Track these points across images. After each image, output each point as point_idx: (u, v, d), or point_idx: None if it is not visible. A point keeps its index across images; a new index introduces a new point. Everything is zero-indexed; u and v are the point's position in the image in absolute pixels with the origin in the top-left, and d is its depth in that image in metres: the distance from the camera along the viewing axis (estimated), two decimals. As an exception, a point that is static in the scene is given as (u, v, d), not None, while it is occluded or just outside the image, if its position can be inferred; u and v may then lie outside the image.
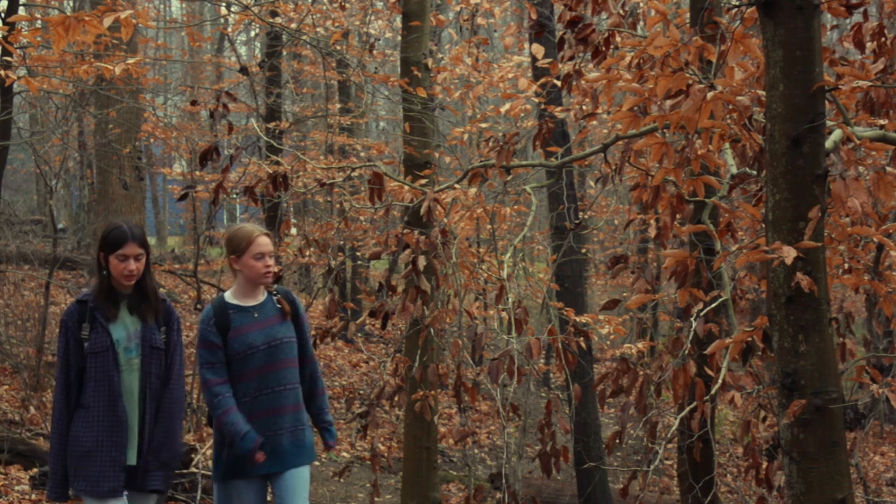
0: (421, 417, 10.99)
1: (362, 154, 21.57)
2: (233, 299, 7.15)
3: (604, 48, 7.61)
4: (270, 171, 8.99)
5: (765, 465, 7.54)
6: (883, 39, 7.04)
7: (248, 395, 7.02)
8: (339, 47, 16.28)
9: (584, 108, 8.97)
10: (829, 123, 6.38)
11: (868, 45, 7.10)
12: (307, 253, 12.26)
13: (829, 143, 6.29)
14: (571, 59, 8.08)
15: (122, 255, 6.64)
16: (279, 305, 7.20)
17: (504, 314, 8.77)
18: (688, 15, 9.21)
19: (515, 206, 14.10)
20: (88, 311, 6.68)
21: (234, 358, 6.99)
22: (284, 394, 7.09)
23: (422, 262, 8.35)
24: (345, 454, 16.50)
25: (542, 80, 9.80)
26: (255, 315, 7.11)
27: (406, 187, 9.83)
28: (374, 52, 17.82)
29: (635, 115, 6.91)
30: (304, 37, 15.92)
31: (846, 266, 7.36)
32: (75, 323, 6.66)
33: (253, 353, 6.99)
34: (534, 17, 9.34)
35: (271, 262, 7.14)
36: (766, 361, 7.18)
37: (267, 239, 7.13)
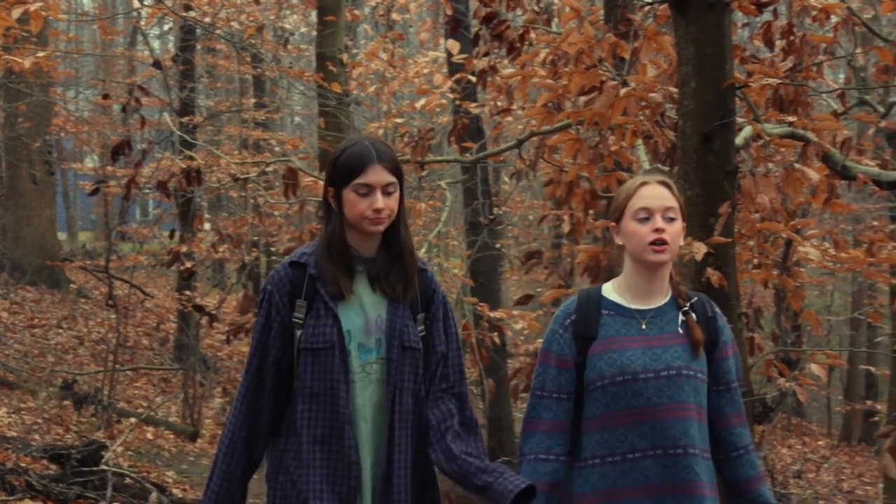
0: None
1: (277, 149, 21.47)
2: (613, 294, 4.20)
3: (518, 44, 7.64)
4: (184, 166, 8.92)
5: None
6: (792, 38, 7.15)
7: (614, 453, 4.04)
8: (253, 42, 16.19)
9: (498, 103, 9.02)
10: (739, 120, 6.47)
11: (778, 43, 7.20)
12: (221, 248, 12.16)
13: (739, 140, 6.38)
14: (486, 55, 8.11)
15: (362, 186, 4.04)
16: (685, 319, 4.14)
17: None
18: (602, 12, 9.28)
19: (430, 202, 14.10)
20: (308, 281, 4.11)
21: (595, 387, 4.08)
22: (683, 462, 4.00)
23: (336, 257, 8.31)
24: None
25: (458, 76, 9.83)
26: (644, 326, 4.12)
27: (321, 182, 9.79)
28: (289, 46, 17.77)
29: (549, 111, 6.96)
30: (218, 31, 15.82)
31: (755, 261, 7.46)
32: (285, 297, 4.12)
33: (628, 384, 4.02)
34: (449, 13, 9.36)
35: (667, 227, 4.07)
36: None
37: (662, 189, 4.13)
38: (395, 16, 15.76)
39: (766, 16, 7.33)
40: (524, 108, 8.88)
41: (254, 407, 4.13)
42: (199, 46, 21.98)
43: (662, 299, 4.16)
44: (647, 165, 7.99)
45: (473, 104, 10.57)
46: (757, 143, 6.55)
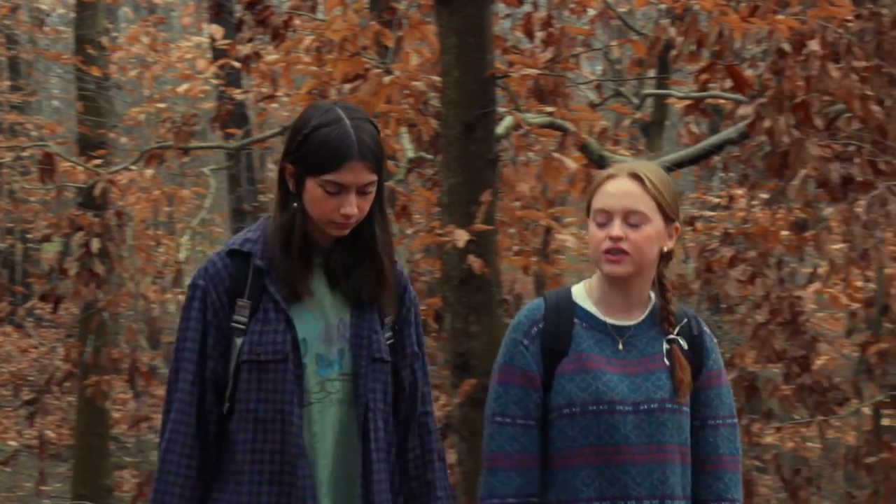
0: (93, 403, 10.73)
1: (34, 133, 20.85)
2: (587, 301, 3.41)
3: (283, 31, 7.61)
4: (-67, 149, 8.59)
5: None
6: (551, 29, 7.31)
7: (578, 499, 3.28)
8: (7, 22, 15.67)
9: (263, 90, 8.96)
10: (500, 110, 6.58)
11: (538, 34, 7.35)
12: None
13: (500, 129, 6.49)
14: (250, 40, 8.05)
15: (333, 184, 3.16)
16: (670, 349, 3.36)
17: (181, 297, 8.71)
18: (366, 0, 9.31)
19: (194, 189, 13.93)
20: (253, 276, 3.24)
21: (561, 414, 3.31)
22: None
23: (95, 244, 8.16)
24: (12, 442, 15.95)
25: (221, 62, 9.71)
26: (621, 346, 3.36)
27: (80, 168, 9.57)
28: (46, 28, 17.26)
29: (314, 98, 6.95)
30: (-30, 10, 15.25)
31: (516, 248, 7.60)
32: (223, 296, 3.23)
33: (602, 416, 3.28)
34: (212, -3, 9.25)
35: (629, 233, 3.27)
36: (440, 342, 7.35)
37: (629, 185, 3.31)
38: (157, -1, 15.49)
39: (527, 7, 7.48)
40: (289, 95, 8.84)
41: (199, 428, 3.20)
42: (-51, 26, 21.18)
43: (641, 314, 3.39)
44: (410, 154, 8.06)
45: (238, 90, 10.49)
46: (517, 132, 6.68)
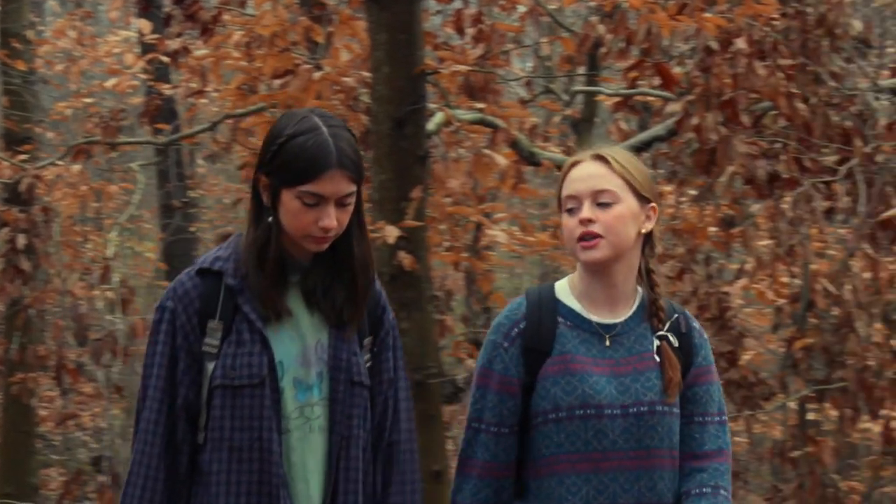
0: (19, 401, 10.63)
1: (-42, 128, 20.60)
2: (570, 298, 3.25)
3: (212, 26, 7.57)
4: None
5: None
6: (482, 26, 7.33)
7: None
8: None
9: (192, 85, 8.90)
10: (431, 106, 6.59)
11: (468, 31, 7.37)
12: None
13: (431, 126, 6.51)
14: (179, 35, 8.00)
15: (312, 196, 2.98)
16: (657, 339, 3.21)
17: (109, 294, 8.66)
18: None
19: (122, 184, 13.82)
20: (224, 295, 3.06)
21: (546, 419, 3.15)
22: None
23: (21, 240, 8.11)
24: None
25: (150, 57, 9.65)
26: (608, 343, 3.20)
27: (5, 164, 9.46)
28: (-29, 21, 17.02)
29: (244, 93, 6.94)
30: None
31: (447, 244, 7.62)
32: (194, 318, 3.04)
33: (590, 421, 3.12)
34: (140, -9, 9.19)
35: (600, 214, 3.12)
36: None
37: (595, 167, 3.17)
38: (84, -8, 15.32)
39: (458, 4, 7.49)
40: (218, 90, 8.80)
41: (167, 472, 2.99)
42: None
43: (627, 310, 3.21)
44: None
45: (166, 85, 10.41)
46: (448, 128, 6.69)
